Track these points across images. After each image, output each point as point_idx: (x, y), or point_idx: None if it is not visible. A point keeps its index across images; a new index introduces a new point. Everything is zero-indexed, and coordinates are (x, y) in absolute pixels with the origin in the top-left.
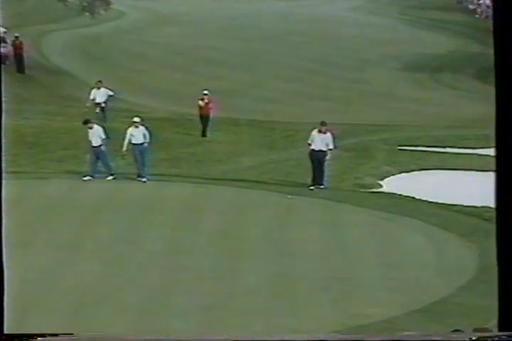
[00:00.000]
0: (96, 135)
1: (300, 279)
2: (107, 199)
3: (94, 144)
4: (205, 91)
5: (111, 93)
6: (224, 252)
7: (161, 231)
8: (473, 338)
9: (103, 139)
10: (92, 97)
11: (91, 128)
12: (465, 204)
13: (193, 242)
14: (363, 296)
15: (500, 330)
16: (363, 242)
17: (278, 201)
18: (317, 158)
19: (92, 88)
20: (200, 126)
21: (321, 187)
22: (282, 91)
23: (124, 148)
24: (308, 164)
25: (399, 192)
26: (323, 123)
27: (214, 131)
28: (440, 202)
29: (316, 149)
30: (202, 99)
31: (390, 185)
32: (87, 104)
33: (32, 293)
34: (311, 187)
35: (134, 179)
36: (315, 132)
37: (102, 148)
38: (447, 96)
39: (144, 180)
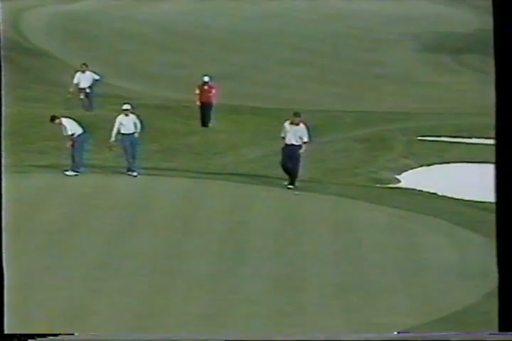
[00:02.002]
0: (69, 130)
1: (309, 285)
2: (93, 196)
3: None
4: (206, 78)
5: (97, 77)
6: (223, 255)
7: (154, 232)
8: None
9: (79, 134)
10: (75, 82)
11: (60, 124)
12: (493, 202)
13: (189, 244)
14: (379, 304)
15: (500, 330)
16: (378, 244)
17: (284, 197)
18: (289, 154)
19: (76, 71)
20: (197, 115)
21: (290, 186)
22: (288, 75)
23: (112, 139)
24: (318, 156)
25: (419, 188)
26: (296, 114)
27: (212, 119)
28: (465, 198)
29: (288, 143)
30: (202, 86)
31: (409, 179)
32: (71, 90)
33: None
34: (290, 186)
35: (123, 173)
36: (287, 124)
37: (78, 141)
38: (472, 81)
39: (134, 174)
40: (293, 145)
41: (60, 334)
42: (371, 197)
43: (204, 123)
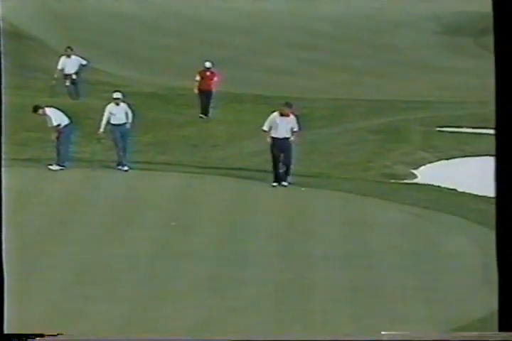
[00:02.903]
0: (54, 120)
1: (316, 290)
2: (80, 193)
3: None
4: (208, 64)
5: (84, 62)
6: (223, 257)
7: (146, 232)
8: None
9: (65, 125)
10: (60, 67)
11: (43, 114)
12: None
13: (186, 245)
14: (392, 310)
15: (500, 330)
16: (392, 245)
17: (289, 194)
18: (281, 148)
19: (61, 56)
20: (194, 103)
21: (285, 184)
22: (295, 60)
23: (101, 130)
24: (326, 149)
25: (437, 184)
26: (288, 105)
27: (211, 108)
28: (488, 195)
29: (281, 137)
30: (203, 72)
31: (427, 174)
32: (55, 76)
33: None
34: (274, 184)
35: (113, 167)
36: (276, 116)
37: (64, 132)
38: None
39: (125, 168)
40: (285, 138)
41: (59, 334)
42: (385, 194)
43: (203, 112)
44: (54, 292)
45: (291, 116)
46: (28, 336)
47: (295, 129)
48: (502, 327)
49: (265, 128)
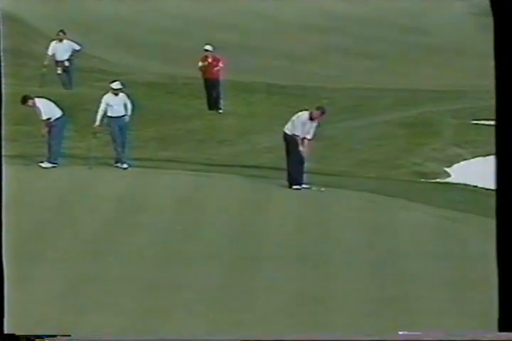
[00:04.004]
0: (44, 113)
1: (336, 301)
2: (74, 194)
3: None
4: (208, 47)
5: (77, 47)
6: (233, 263)
7: (148, 237)
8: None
9: (57, 118)
10: (51, 53)
11: (33, 105)
12: None
13: (191, 251)
14: (422, 324)
15: (500, 330)
16: (423, 251)
17: (306, 195)
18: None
19: (52, 40)
20: (200, 93)
21: (305, 186)
22: (313, 44)
23: (97, 123)
24: (349, 145)
25: (473, 184)
26: (322, 109)
27: (222, 100)
28: None
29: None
30: (204, 59)
31: (461, 173)
32: (45, 62)
33: None
34: (297, 186)
35: (110, 165)
36: (307, 117)
37: (56, 126)
38: None
39: (124, 166)
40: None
41: (57, 335)
42: (414, 195)
43: (212, 105)
44: (45, 305)
45: (316, 122)
46: (28, 337)
47: (309, 137)
48: (502, 327)
49: (298, 132)
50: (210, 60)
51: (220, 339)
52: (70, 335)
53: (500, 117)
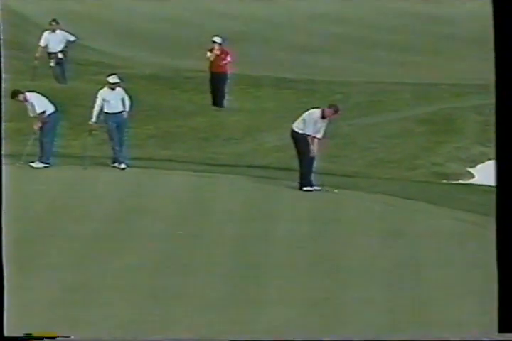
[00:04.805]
0: (37, 108)
1: (350, 313)
2: (68, 196)
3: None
4: (216, 38)
5: (72, 38)
6: (238, 272)
7: (148, 242)
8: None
9: (50, 114)
10: (43, 44)
11: (24, 100)
12: None
13: (195, 258)
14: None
15: (500, 331)
16: (444, 258)
17: (317, 197)
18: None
19: (44, 31)
20: (204, 87)
21: (317, 188)
22: (324, 34)
23: (93, 120)
24: (364, 143)
25: None
26: (335, 108)
27: (227, 95)
28: None
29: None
30: (212, 50)
31: (486, 174)
32: (37, 54)
33: None
34: (308, 188)
35: (107, 165)
36: (318, 116)
37: (49, 123)
38: None
39: (122, 166)
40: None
41: (58, 337)
42: (435, 197)
43: (217, 101)
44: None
45: (326, 121)
46: (28, 338)
47: (319, 136)
48: (502, 328)
49: (310, 131)
50: (218, 52)
51: (220, 339)
52: (69, 337)
53: (500, 117)
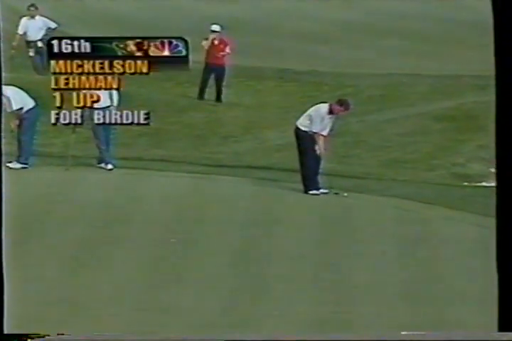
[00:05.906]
0: (14, 103)
1: (359, 326)
2: (49, 199)
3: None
4: (215, 27)
5: (53, 25)
6: (239, 283)
7: (138, 251)
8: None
9: (29, 109)
10: (21, 32)
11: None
12: None
13: (190, 268)
14: None
15: (500, 330)
16: (464, 269)
17: (325, 201)
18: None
19: (22, 17)
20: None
21: (324, 191)
22: (332, 22)
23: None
24: (376, 141)
25: None
26: (345, 103)
27: (224, 89)
28: None
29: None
30: (207, 39)
31: None
32: (14, 43)
33: None
34: (315, 191)
35: (92, 166)
36: (326, 112)
37: (27, 119)
38: None
39: (109, 167)
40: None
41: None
42: (455, 201)
43: (202, 96)
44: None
45: (335, 116)
46: (28, 336)
47: (325, 133)
48: (502, 327)
49: (317, 129)
50: (216, 42)
51: (220, 339)
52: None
53: (500, 116)
